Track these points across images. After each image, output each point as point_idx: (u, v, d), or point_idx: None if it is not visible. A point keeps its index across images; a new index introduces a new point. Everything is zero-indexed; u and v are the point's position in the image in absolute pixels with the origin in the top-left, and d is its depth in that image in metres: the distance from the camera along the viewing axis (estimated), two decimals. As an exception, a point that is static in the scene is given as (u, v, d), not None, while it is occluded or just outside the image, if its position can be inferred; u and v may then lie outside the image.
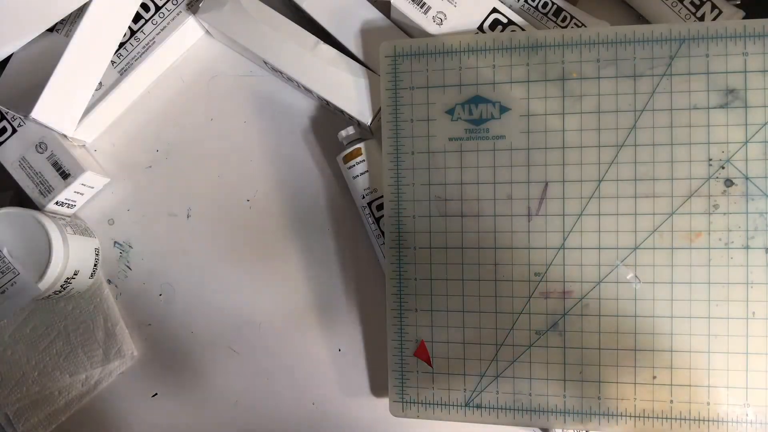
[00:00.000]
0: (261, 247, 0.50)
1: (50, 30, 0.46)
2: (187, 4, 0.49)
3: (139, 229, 0.52)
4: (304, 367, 0.50)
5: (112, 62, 0.48)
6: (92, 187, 0.50)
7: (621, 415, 0.41)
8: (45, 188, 0.48)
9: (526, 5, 0.45)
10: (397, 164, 0.44)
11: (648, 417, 0.41)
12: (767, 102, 0.39)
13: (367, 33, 0.47)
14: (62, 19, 0.45)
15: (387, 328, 0.45)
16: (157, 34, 0.49)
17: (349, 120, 0.48)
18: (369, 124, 0.46)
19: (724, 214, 0.40)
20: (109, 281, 0.52)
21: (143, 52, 0.49)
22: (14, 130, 0.49)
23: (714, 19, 0.44)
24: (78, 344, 0.50)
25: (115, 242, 0.52)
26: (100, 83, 0.48)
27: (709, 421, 0.40)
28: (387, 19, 0.47)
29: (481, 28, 0.44)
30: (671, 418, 0.41)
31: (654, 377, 0.41)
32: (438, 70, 0.43)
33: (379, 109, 0.46)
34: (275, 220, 0.50)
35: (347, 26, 0.47)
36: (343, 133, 0.47)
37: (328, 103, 0.47)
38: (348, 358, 0.49)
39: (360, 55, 0.47)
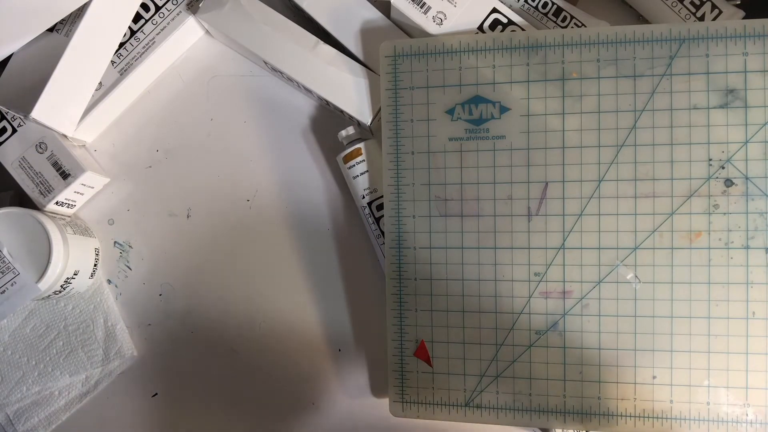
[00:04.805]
0: (261, 247, 0.50)
1: (50, 30, 0.46)
2: (187, 4, 0.49)
3: (139, 229, 0.52)
4: (304, 367, 0.50)
5: (112, 62, 0.48)
6: (92, 187, 0.50)
7: (621, 415, 0.41)
8: (45, 188, 0.48)
9: (526, 5, 0.45)
10: (397, 164, 0.44)
11: (648, 417, 0.41)
12: (767, 102, 0.39)
13: (367, 33, 0.47)
14: (62, 19, 0.45)
15: (387, 328, 0.45)
16: (157, 34, 0.49)
17: (349, 120, 0.48)
18: (369, 124, 0.46)
19: (724, 214, 0.40)
20: (109, 281, 0.52)
21: (143, 52, 0.49)
22: (14, 130, 0.49)
23: (714, 19, 0.44)
24: (78, 344, 0.50)
25: (115, 242, 0.52)
26: (100, 83, 0.48)
27: (709, 421, 0.40)
28: (387, 19, 0.47)
29: (481, 28, 0.44)
30: (671, 418, 0.41)
31: (654, 377, 0.41)
32: (438, 70, 0.43)
33: (379, 109, 0.46)
34: (275, 220, 0.50)
35: (347, 26, 0.47)
36: (343, 133, 0.47)
37: (328, 103, 0.47)
38: (348, 358, 0.49)
39: (360, 55, 0.47)
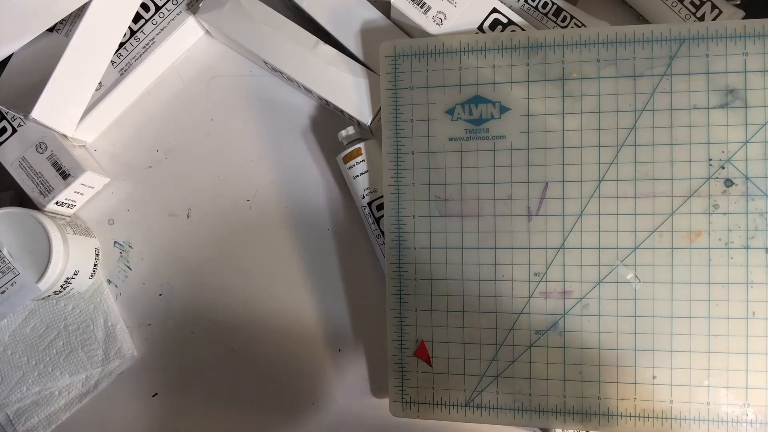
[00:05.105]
0: (261, 247, 0.50)
1: (50, 30, 0.46)
2: (187, 4, 0.49)
3: (139, 229, 0.52)
4: (304, 367, 0.50)
5: (112, 62, 0.48)
6: (92, 187, 0.50)
7: (621, 415, 0.41)
8: (45, 188, 0.48)
9: (526, 5, 0.45)
10: (397, 164, 0.44)
11: (648, 417, 0.41)
12: (767, 102, 0.39)
13: (367, 33, 0.47)
14: (62, 19, 0.45)
15: (387, 328, 0.45)
16: (157, 34, 0.49)
17: (349, 120, 0.48)
18: (369, 124, 0.46)
19: (724, 214, 0.40)
20: (109, 281, 0.52)
21: (143, 52, 0.49)
22: (14, 130, 0.49)
23: (714, 19, 0.44)
24: (78, 344, 0.50)
25: (115, 242, 0.52)
26: (100, 83, 0.48)
27: (709, 421, 0.40)
28: (387, 19, 0.47)
29: (481, 28, 0.44)
30: (671, 418, 0.41)
31: (654, 377, 0.41)
32: (438, 70, 0.43)
33: (379, 109, 0.46)
34: (275, 220, 0.50)
35: (347, 26, 0.47)
36: (343, 133, 0.47)
37: (328, 103, 0.47)
38: (348, 358, 0.49)
39: (360, 55, 0.47)
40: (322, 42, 0.46)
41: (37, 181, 0.48)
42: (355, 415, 0.49)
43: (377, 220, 0.46)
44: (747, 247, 0.40)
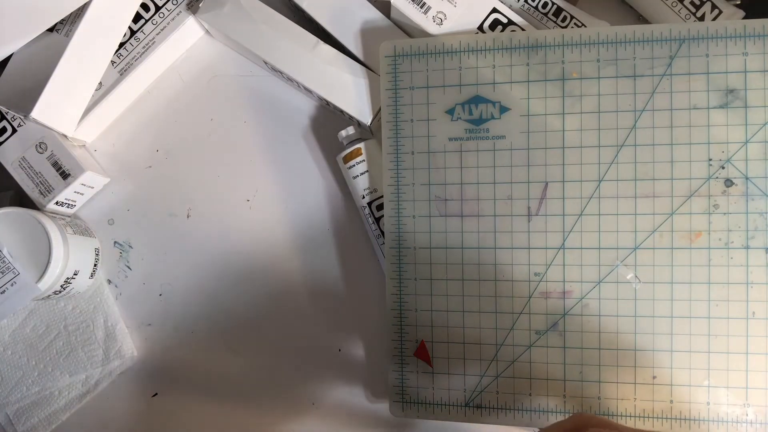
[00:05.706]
0: (261, 247, 0.50)
1: (50, 30, 0.46)
2: (187, 4, 0.49)
3: (139, 229, 0.52)
4: (304, 367, 0.50)
5: (112, 62, 0.48)
6: (92, 187, 0.50)
7: (621, 415, 0.41)
8: (45, 188, 0.48)
9: (526, 5, 0.45)
10: (397, 164, 0.44)
11: (648, 417, 0.41)
12: (767, 102, 0.39)
13: (367, 33, 0.47)
14: (62, 19, 0.45)
15: (387, 328, 0.45)
16: (157, 34, 0.49)
17: (349, 120, 0.48)
18: (369, 124, 0.46)
19: (724, 214, 0.40)
20: (109, 281, 0.52)
21: (143, 52, 0.49)
22: (14, 130, 0.49)
23: (714, 19, 0.44)
24: (78, 344, 0.50)
25: (115, 242, 0.52)
26: (100, 83, 0.48)
27: (709, 421, 0.40)
28: (387, 19, 0.47)
29: (481, 28, 0.44)
30: (671, 418, 0.41)
31: (654, 377, 0.41)
32: (438, 70, 0.43)
33: (379, 109, 0.46)
34: (275, 220, 0.50)
35: (347, 26, 0.47)
36: (343, 133, 0.47)
37: (328, 103, 0.47)
38: (348, 358, 0.49)
39: (360, 55, 0.47)
40: (322, 42, 0.46)
41: (37, 181, 0.48)
42: (355, 415, 0.49)
43: (377, 220, 0.46)
44: (747, 247, 0.40)
